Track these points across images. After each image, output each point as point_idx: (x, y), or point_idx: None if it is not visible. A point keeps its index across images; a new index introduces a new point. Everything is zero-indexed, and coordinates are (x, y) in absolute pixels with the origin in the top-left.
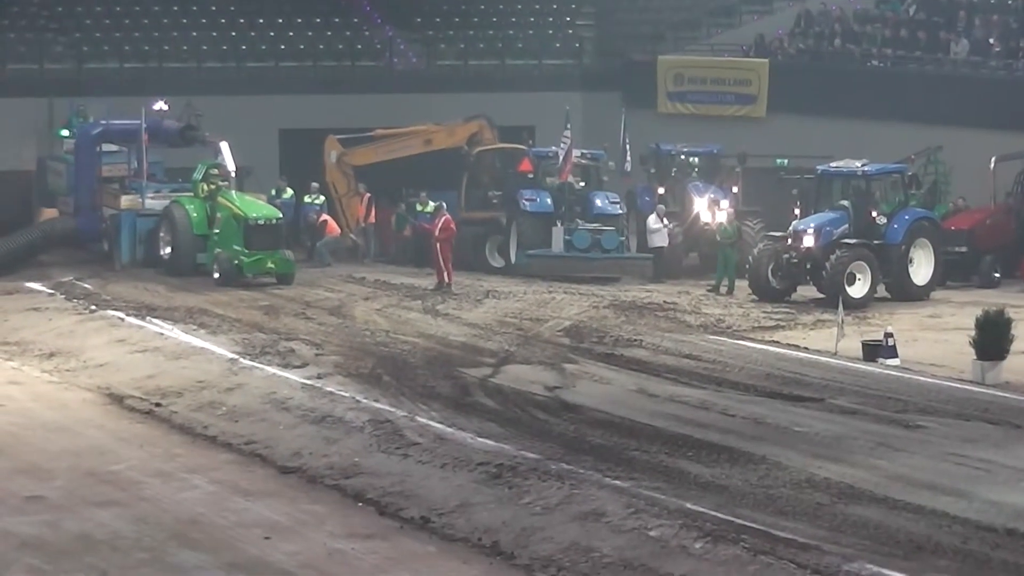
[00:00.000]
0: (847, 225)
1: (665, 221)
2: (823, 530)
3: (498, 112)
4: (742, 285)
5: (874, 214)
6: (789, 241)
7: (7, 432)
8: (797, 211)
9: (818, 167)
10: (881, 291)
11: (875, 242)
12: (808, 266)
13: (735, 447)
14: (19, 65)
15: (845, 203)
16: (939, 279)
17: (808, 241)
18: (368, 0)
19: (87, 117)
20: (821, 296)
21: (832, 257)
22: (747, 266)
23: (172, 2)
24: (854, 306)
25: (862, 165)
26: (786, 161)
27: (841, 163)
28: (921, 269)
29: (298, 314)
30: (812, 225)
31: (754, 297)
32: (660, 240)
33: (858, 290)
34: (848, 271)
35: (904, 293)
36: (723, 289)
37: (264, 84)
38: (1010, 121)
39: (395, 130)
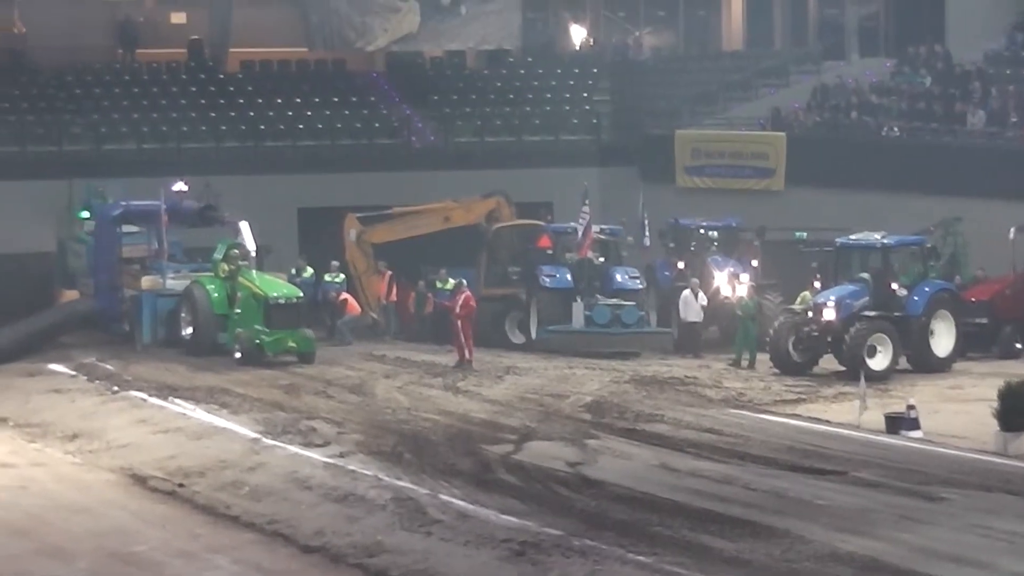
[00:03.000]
0: (867, 297)
1: (701, 296)
2: None
3: (516, 188)
4: (763, 358)
5: (894, 286)
6: (810, 314)
7: (30, 514)
8: (817, 284)
9: (837, 240)
10: (902, 363)
11: (895, 314)
12: (829, 339)
13: (758, 521)
14: (38, 147)
15: (865, 275)
16: (960, 350)
17: (829, 314)
18: (385, 78)
19: (106, 198)
20: (842, 369)
21: (852, 330)
22: (767, 339)
23: (190, 82)
24: (875, 379)
25: (881, 237)
26: (805, 234)
27: (860, 235)
28: (942, 340)
29: (319, 392)
30: (832, 298)
31: (775, 370)
32: (694, 315)
33: (879, 362)
34: (868, 343)
35: (925, 365)
36: (744, 363)
37: (282, 163)
38: None
39: (414, 208)
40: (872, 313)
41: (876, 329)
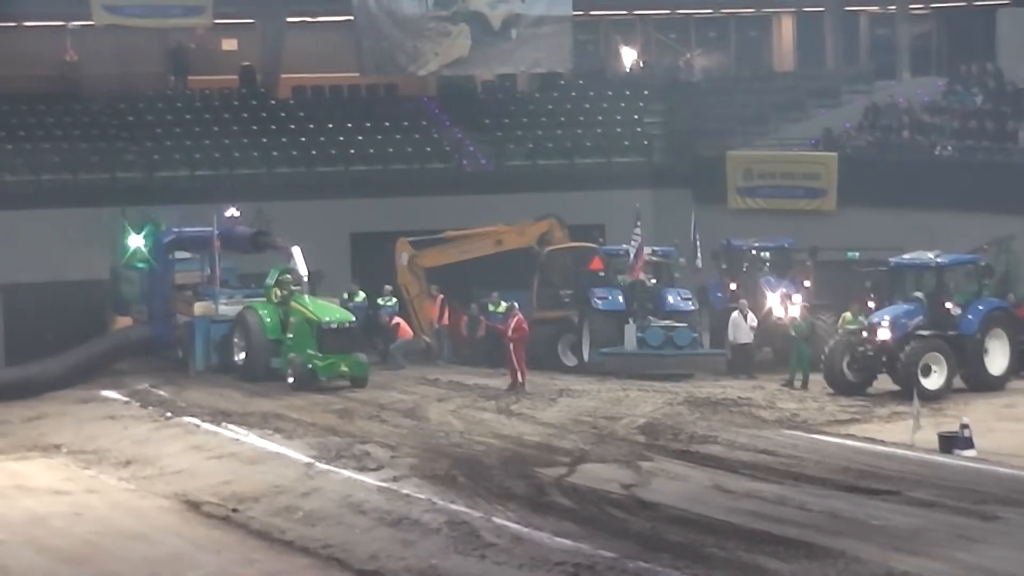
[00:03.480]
0: (921, 316)
1: (750, 317)
2: None
3: (568, 211)
4: (816, 379)
5: (948, 305)
6: (864, 334)
7: (86, 541)
8: (872, 303)
9: (891, 259)
10: (957, 382)
11: (950, 333)
12: (884, 359)
13: (813, 542)
14: (91, 175)
15: (919, 294)
16: (1014, 368)
17: (884, 334)
18: (436, 103)
19: (159, 225)
20: (897, 388)
21: (906, 349)
22: (822, 359)
23: (241, 108)
24: (930, 397)
25: (935, 256)
26: (857, 254)
27: (914, 255)
28: (996, 359)
29: (373, 417)
30: (887, 317)
31: (830, 391)
32: (744, 337)
33: (934, 382)
34: (923, 363)
35: (980, 383)
36: (797, 383)
37: (334, 188)
38: None
39: (466, 231)
40: (926, 332)
41: (930, 348)
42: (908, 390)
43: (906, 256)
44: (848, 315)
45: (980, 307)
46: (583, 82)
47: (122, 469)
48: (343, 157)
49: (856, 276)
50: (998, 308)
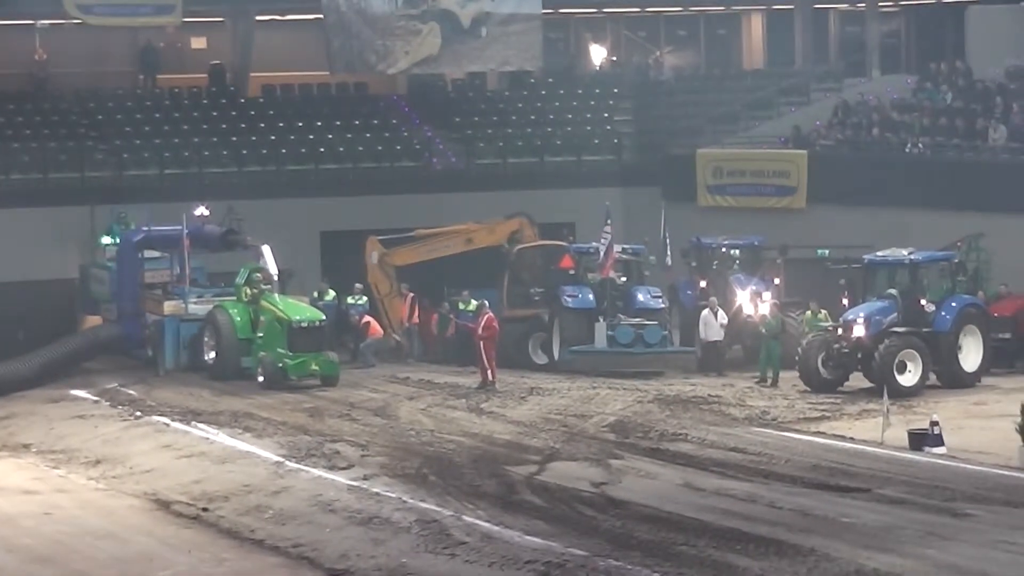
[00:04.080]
0: (896, 314)
1: (720, 314)
2: None
3: (538, 209)
4: (786, 376)
5: (923, 302)
6: (839, 331)
7: (55, 541)
8: (845, 301)
9: (865, 256)
10: (931, 379)
11: (924, 330)
12: (859, 356)
13: (783, 539)
14: (60, 174)
15: (893, 292)
16: (988, 366)
17: (858, 331)
18: (406, 101)
19: (128, 224)
20: (871, 385)
21: (881, 346)
22: (796, 357)
23: (211, 107)
24: (905, 394)
25: (909, 253)
26: (827, 251)
27: (888, 252)
28: (970, 356)
29: (343, 416)
30: (862, 315)
31: (804, 388)
32: (715, 335)
33: (909, 379)
34: (898, 360)
35: (954, 380)
36: (768, 380)
37: (304, 187)
38: None
39: (436, 230)
40: (901, 329)
41: (905, 345)
42: (883, 387)
43: (880, 253)
44: (808, 314)
45: (954, 304)
46: (553, 80)
47: (92, 468)
48: (313, 156)
49: (827, 273)
50: (971, 305)
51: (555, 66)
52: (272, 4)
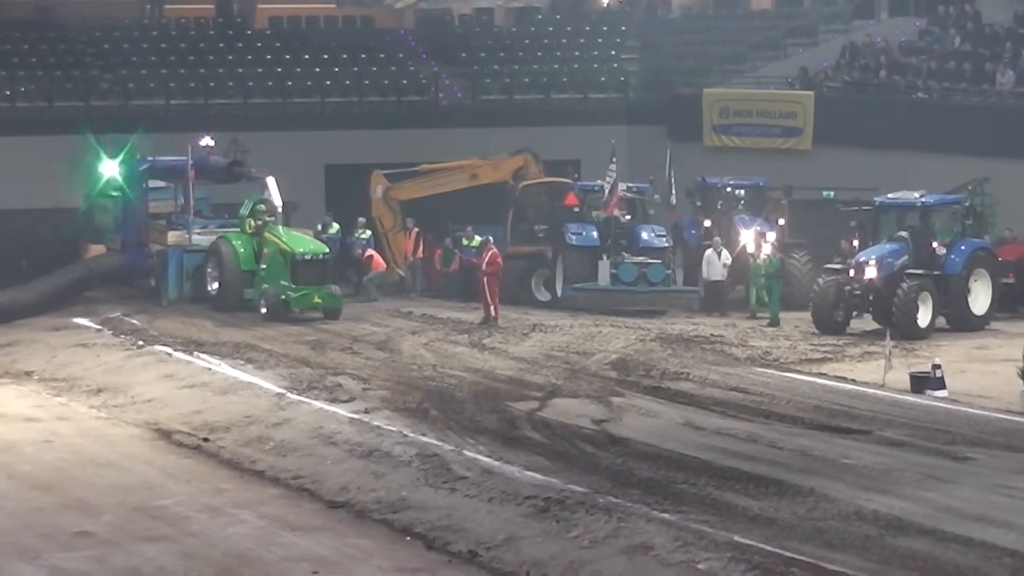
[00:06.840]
0: (907, 256)
1: (724, 254)
2: (872, 563)
3: (543, 146)
4: (787, 317)
5: (934, 245)
6: (851, 273)
7: (55, 468)
8: (856, 243)
9: (875, 199)
10: (940, 322)
11: (935, 272)
12: (871, 297)
13: (783, 480)
14: (66, 103)
15: (904, 234)
16: (995, 309)
17: (871, 272)
18: (413, 36)
19: (134, 154)
20: (874, 327)
21: (900, 289)
22: (810, 298)
23: (218, 38)
24: (920, 337)
25: (920, 196)
26: (832, 193)
27: (898, 194)
28: (979, 299)
29: (345, 349)
30: (874, 257)
31: (807, 329)
32: (717, 274)
33: (922, 320)
34: None
35: (963, 323)
36: (760, 316)
37: (310, 120)
38: None
39: (441, 165)
40: (917, 271)
41: (923, 288)
42: (902, 329)
43: (891, 195)
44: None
45: (963, 247)
46: (560, 17)
47: (93, 397)
48: (319, 89)
49: (831, 215)
50: (981, 248)
51: (563, 2)
52: None
